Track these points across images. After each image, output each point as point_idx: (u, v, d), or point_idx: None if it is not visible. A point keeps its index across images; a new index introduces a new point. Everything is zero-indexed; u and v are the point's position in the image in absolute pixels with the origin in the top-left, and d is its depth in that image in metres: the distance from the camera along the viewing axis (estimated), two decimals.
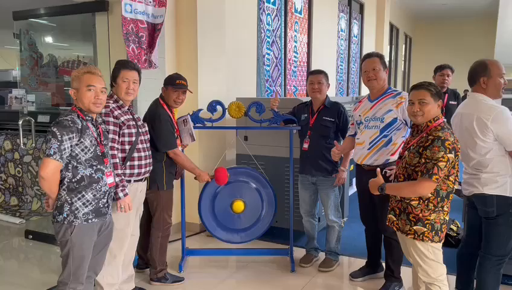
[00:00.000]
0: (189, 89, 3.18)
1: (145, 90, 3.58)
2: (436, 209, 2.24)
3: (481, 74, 2.55)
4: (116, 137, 2.64)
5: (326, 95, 3.43)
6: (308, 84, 3.43)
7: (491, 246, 2.57)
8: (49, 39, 5.41)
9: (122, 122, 2.67)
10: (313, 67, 6.67)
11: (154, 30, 3.73)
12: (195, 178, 3.26)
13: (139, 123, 2.82)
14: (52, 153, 2.11)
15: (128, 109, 2.76)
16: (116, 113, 2.66)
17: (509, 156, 2.49)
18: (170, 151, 3.06)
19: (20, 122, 4.29)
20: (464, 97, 4.76)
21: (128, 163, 2.71)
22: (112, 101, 2.68)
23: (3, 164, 5.22)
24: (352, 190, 4.79)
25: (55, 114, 4.73)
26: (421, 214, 2.25)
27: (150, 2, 3.64)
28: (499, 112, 2.44)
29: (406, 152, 2.36)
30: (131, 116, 2.75)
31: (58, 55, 5.21)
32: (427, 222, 2.25)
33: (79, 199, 2.22)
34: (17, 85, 6.05)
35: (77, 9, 3.80)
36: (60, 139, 2.12)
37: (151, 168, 2.88)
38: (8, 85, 7.77)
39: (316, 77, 3.37)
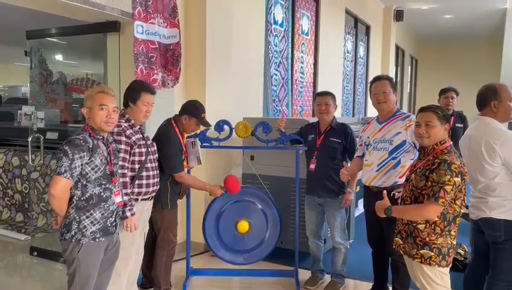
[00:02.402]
0: (210, 124, 3.22)
1: (153, 110, 3.61)
2: (443, 233, 2.22)
3: (492, 98, 2.57)
4: (127, 156, 2.65)
5: (334, 116, 3.44)
6: (315, 106, 3.46)
7: (499, 272, 2.54)
8: (59, 57, 5.51)
9: (134, 141, 2.69)
10: (319, 88, 6.72)
11: (166, 50, 3.79)
12: (210, 195, 3.26)
13: (148, 142, 2.84)
14: (62, 171, 2.13)
15: (138, 128, 2.79)
16: (128, 132, 2.68)
17: None
18: (176, 174, 3.07)
19: (30, 139, 4.33)
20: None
21: (136, 182, 2.73)
22: (123, 120, 2.70)
23: (10, 180, 5.25)
24: (358, 211, 4.76)
25: (63, 131, 4.78)
26: (427, 238, 2.24)
27: (161, 23, 3.72)
28: (508, 137, 2.45)
29: (413, 175, 2.36)
30: (141, 136, 2.77)
31: (67, 73, 5.29)
32: (434, 246, 2.23)
33: (87, 217, 2.23)
34: (25, 101, 6.13)
35: (89, 30, 3.87)
36: (71, 157, 2.14)
37: (158, 187, 2.89)
38: (17, 101, 7.88)
39: (323, 98, 3.39)
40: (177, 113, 3.22)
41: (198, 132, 3.36)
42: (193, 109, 3.13)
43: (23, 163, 5.11)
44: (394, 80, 12.31)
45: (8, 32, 7.76)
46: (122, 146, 2.62)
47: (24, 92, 9.46)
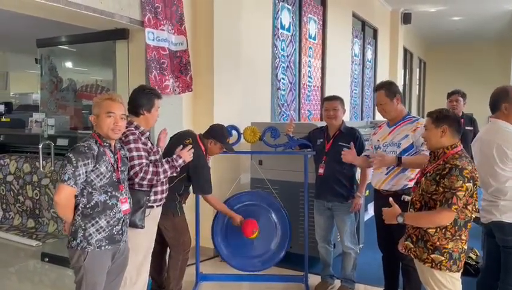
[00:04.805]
0: (234, 150, 3.34)
1: (162, 115, 3.62)
2: (454, 238, 2.20)
3: (502, 100, 2.57)
4: (145, 159, 2.62)
5: (342, 121, 3.43)
6: (323, 110, 3.45)
7: (510, 276, 2.51)
8: (69, 64, 5.57)
9: (150, 148, 2.71)
10: (327, 92, 6.71)
11: (174, 57, 3.82)
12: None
13: (154, 149, 2.82)
14: (66, 179, 2.12)
15: (148, 136, 2.79)
16: (143, 139, 2.68)
17: None
18: (205, 196, 3.20)
19: (40, 146, 4.38)
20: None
21: (153, 189, 2.73)
22: (133, 128, 2.65)
23: (21, 187, 5.30)
24: (368, 215, 4.73)
25: (73, 137, 4.82)
26: (438, 243, 2.22)
27: (170, 30, 3.75)
28: None
29: (423, 179, 2.34)
30: (151, 144, 2.77)
31: (77, 80, 5.35)
32: (444, 250, 2.21)
33: (92, 225, 2.22)
34: (36, 108, 6.20)
35: (99, 37, 3.91)
36: (75, 165, 2.14)
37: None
38: (28, 108, 7.96)
39: (331, 103, 3.38)
40: (192, 129, 3.31)
41: None
42: (220, 135, 3.21)
43: (34, 170, 5.17)
44: (403, 82, 12.21)
45: (19, 41, 7.88)
46: (142, 153, 2.60)
47: (35, 99, 9.54)
